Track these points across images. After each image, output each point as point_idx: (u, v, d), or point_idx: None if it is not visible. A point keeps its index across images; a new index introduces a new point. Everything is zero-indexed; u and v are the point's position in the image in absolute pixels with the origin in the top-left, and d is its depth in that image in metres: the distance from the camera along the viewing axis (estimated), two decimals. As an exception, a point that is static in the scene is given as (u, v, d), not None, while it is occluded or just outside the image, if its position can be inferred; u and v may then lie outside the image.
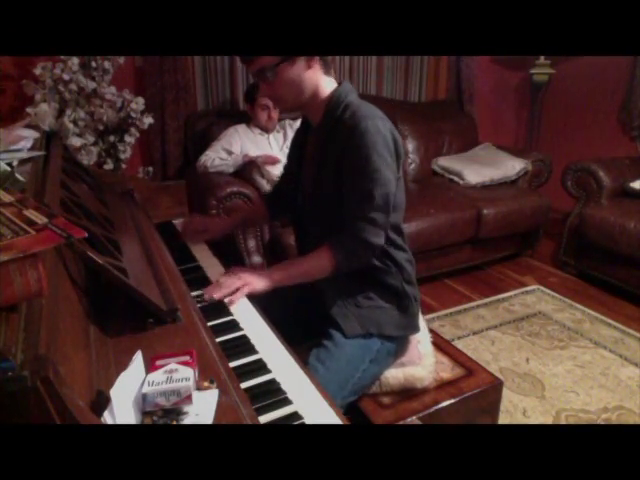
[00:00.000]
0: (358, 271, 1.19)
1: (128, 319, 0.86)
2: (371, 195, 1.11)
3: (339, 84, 1.21)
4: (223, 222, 1.58)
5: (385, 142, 1.11)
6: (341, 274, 1.17)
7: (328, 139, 1.19)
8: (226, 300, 1.11)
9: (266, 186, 2.38)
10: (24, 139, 1.21)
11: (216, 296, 1.11)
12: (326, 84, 1.19)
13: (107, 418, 0.62)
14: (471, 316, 2.47)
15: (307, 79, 1.15)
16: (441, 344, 1.43)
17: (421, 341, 1.33)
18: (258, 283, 1.15)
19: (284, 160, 2.57)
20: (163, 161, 2.79)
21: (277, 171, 2.49)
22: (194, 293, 1.12)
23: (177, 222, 1.62)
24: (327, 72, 1.19)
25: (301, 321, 1.27)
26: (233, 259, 2.28)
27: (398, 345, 1.25)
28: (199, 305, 1.07)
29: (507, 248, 2.98)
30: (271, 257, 2.37)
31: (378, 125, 1.11)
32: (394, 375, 1.23)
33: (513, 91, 3.85)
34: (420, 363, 1.26)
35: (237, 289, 1.13)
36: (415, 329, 1.28)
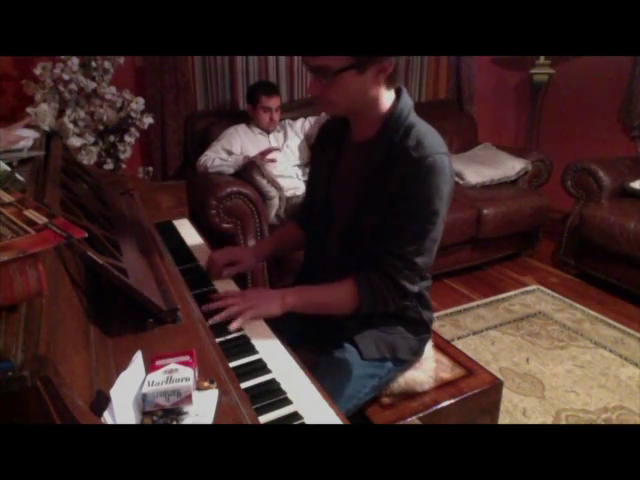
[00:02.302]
0: None
1: (128, 319, 0.86)
2: (421, 238, 1.04)
3: (397, 94, 1.09)
4: (253, 252, 1.35)
5: (447, 182, 1.03)
6: None
7: (384, 164, 1.06)
8: (232, 326, 1.02)
9: (266, 186, 2.38)
10: (24, 139, 1.21)
11: (212, 321, 1.00)
12: (385, 98, 1.06)
13: (107, 418, 0.62)
14: (471, 316, 2.47)
15: (368, 91, 1.02)
16: (441, 344, 1.43)
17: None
18: (266, 308, 1.06)
19: (284, 158, 2.59)
20: (163, 161, 2.79)
21: (277, 171, 2.49)
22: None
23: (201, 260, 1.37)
24: (390, 86, 1.05)
25: (304, 323, 1.24)
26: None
27: (406, 366, 1.24)
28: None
29: (507, 248, 2.98)
30: (272, 259, 2.37)
31: (444, 162, 1.02)
32: (394, 379, 1.23)
33: (513, 91, 3.85)
34: (420, 367, 1.26)
35: (240, 312, 1.03)
36: (423, 353, 1.27)
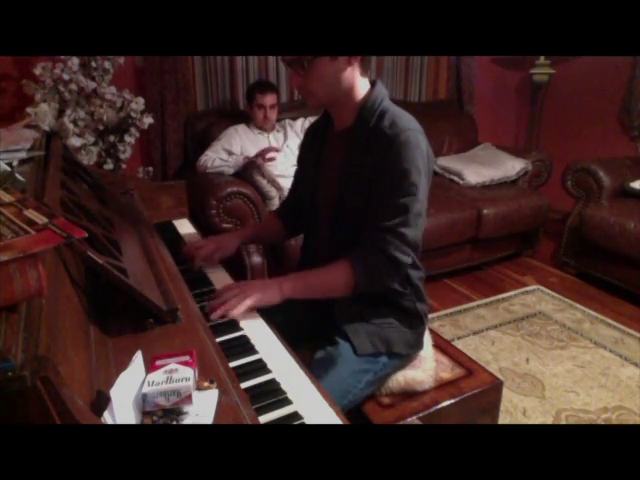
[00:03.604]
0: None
1: (128, 319, 0.86)
2: (405, 209, 1.05)
3: (372, 85, 1.15)
4: (233, 237, 1.42)
5: (422, 158, 1.07)
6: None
7: (362, 147, 1.11)
8: (231, 313, 1.04)
9: (266, 186, 2.38)
10: (24, 139, 1.21)
11: (214, 316, 1.02)
12: (361, 85, 1.12)
13: (107, 418, 0.62)
14: (471, 316, 2.47)
15: (344, 78, 1.08)
16: (441, 344, 1.43)
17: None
18: (264, 296, 1.06)
19: (284, 158, 2.59)
20: (163, 161, 2.79)
21: (277, 171, 2.49)
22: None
23: (185, 237, 1.50)
24: (364, 73, 1.12)
25: (303, 320, 1.25)
26: (232, 259, 2.28)
27: (404, 361, 1.24)
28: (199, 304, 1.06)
29: (507, 248, 2.98)
30: (271, 257, 2.37)
31: (418, 138, 1.06)
32: (394, 378, 1.23)
33: (513, 91, 3.85)
34: (420, 366, 1.26)
35: (238, 302, 1.04)
36: (421, 347, 1.27)
